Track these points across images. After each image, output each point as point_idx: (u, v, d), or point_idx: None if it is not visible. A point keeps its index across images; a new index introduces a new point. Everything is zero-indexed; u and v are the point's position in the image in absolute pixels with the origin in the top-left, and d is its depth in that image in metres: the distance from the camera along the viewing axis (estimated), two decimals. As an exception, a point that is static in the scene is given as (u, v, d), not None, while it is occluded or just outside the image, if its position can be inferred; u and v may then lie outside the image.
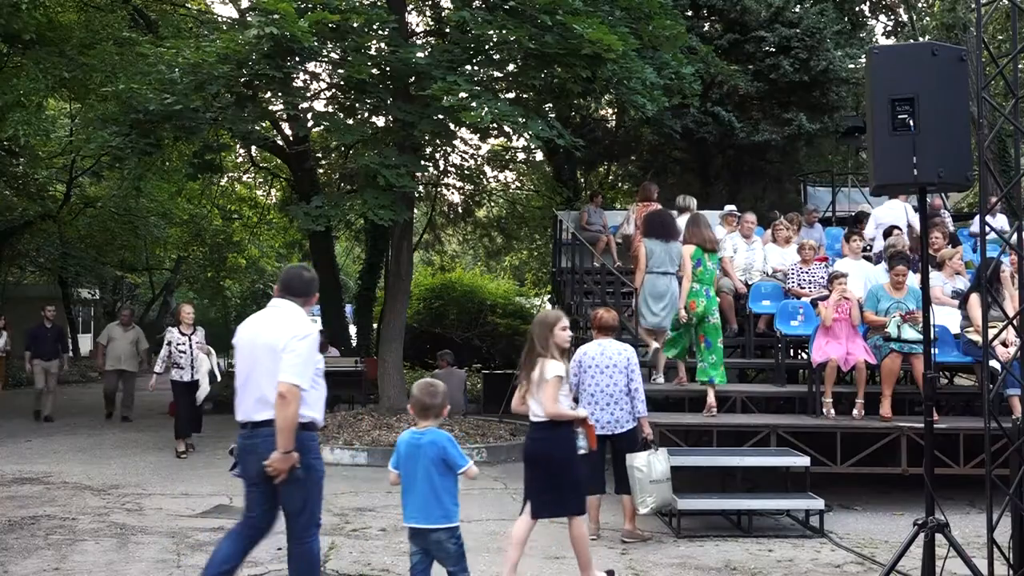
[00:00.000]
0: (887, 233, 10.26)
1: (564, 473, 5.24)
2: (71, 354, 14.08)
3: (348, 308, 21.58)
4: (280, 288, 4.65)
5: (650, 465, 6.52)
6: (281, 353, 4.28)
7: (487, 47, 10.98)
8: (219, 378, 11.10)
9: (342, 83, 11.27)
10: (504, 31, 10.09)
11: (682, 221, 9.06)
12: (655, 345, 8.53)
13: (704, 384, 8.16)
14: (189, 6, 17.66)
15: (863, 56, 13.30)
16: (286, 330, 4.36)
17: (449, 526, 4.33)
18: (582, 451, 5.40)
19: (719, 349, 8.19)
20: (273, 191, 22.89)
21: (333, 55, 11.01)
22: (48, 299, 25.86)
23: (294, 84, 11.25)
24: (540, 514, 5.30)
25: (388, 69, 10.80)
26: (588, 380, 6.61)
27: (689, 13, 14.76)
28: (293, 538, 4.46)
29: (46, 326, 13.76)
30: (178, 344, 10.38)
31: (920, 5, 21.06)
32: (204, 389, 10.51)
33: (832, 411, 8.08)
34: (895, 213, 10.56)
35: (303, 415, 4.31)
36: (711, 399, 8.11)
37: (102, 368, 13.85)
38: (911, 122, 4.70)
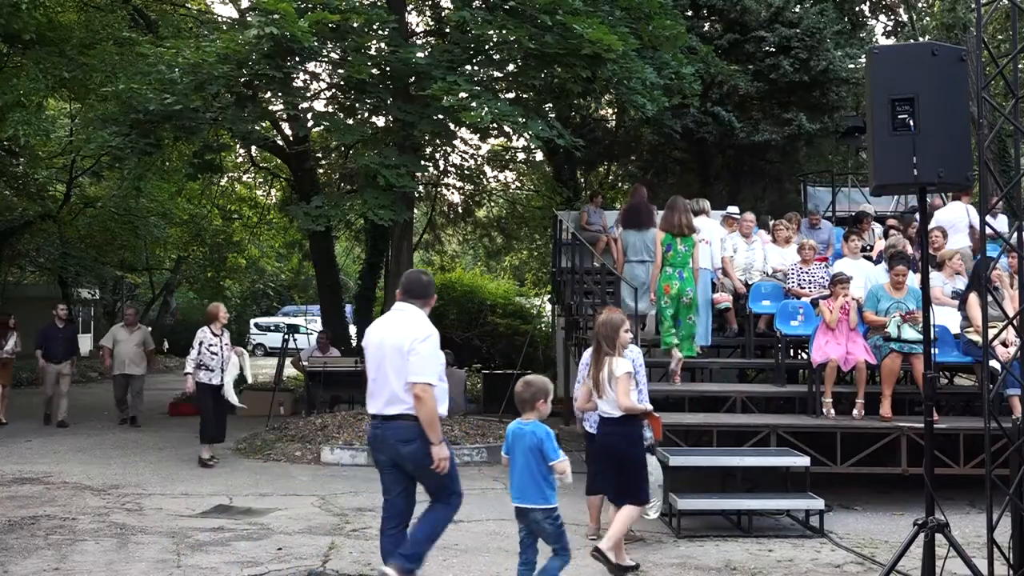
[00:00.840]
0: (886, 233, 10.26)
1: (633, 465, 5.68)
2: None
3: (348, 308, 21.58)
4: (402, 292, 5.06)
5: (656, 470, 6.54)
6: (407, 355, 4.73)
7: (487, 47, 10.98)
8: (249, 380, 10.67)
9: (342, 83, 11.28)
10: (504, 31, 10.09)
11: (697, 222, 9.28)
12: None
13: (668, 348, 8.77)
14: (189, 6, 17.66)
15: (863, 56, 13.30)
16: (409, 332, 4.80)
17: (546, 507, 4.83)
18: (648, 442, 5.85)
19: (688, 325, 8.74)
20: (273, 191, 22.89)
21: (333, 55, 11.01)
22: (48, 299, 25.91)
23: (294, 84, 11.25)
24: (612, 499, 5.81)
25: (388, 69, 10.80)
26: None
27: (689, 13, 14.75)
28: (435, 501, 5.04)
29: (58, 326, 13.19)
30: (209, 345, 9.79)
31: (920, 5, 21.06)
32: (230, 395, 9.93)
33: (832, 411, 8.08)
34: (956, 214, 10.56)
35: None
36: (675, 364, 8.81)
37: (109, 373, 13.30)
38: (911, 122, 4.70)
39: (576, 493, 7.47)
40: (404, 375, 4.74)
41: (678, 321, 8.75)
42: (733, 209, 11.36)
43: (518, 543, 5.00)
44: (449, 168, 17.02)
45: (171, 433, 12.15)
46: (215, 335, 9.86)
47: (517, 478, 4.89)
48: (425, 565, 5.88)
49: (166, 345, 26.04)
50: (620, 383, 5.50)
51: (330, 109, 11.72)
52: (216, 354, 9.76)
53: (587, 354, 5.93)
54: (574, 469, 9.44)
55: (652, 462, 6.53)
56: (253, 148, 19.07)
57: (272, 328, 34.63)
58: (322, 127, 11.54)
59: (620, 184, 21.28)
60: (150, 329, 13.89)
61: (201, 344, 9.78)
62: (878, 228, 11.41)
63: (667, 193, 13.14)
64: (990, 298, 5.70)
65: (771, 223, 10.99)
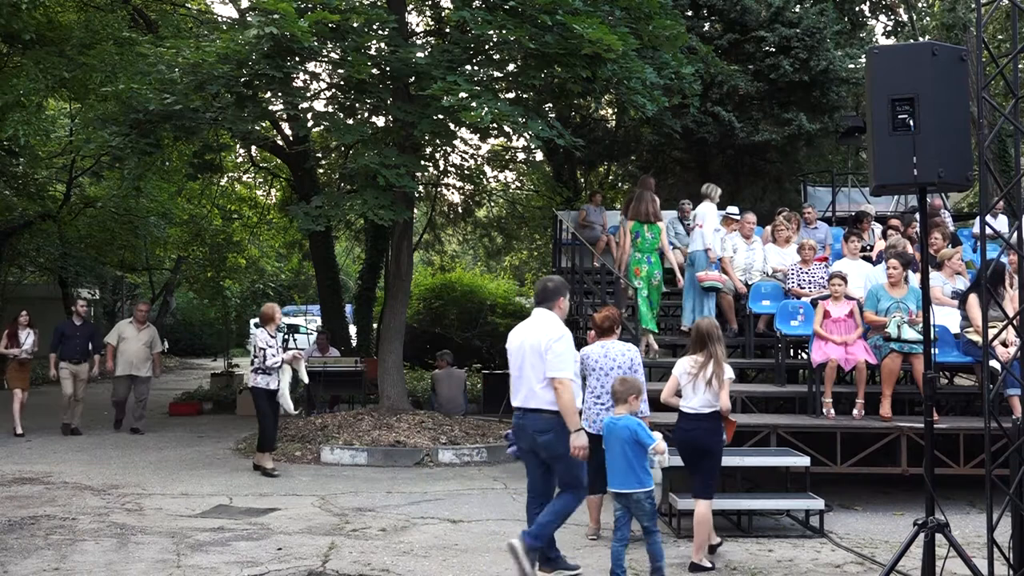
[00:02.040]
0: (886, 233, 10.26)
1: (713, 458, 6.05)
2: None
3: (348, 308, 21.57)
4: (536, 299, 5.79)
5: (657, 469, 6.54)
6: (544, 354, 5.35)
7: (487, 47, 10.98)
8: (306, 380, 10.15)
9: (342, 83, 11.27)
10: (504, 31, 10.09)
11: (702, 208, 9.92)
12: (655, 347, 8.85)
13: (645, 331, 9.54)
14: (189, 6, 17.66)
15: (863, 56, 13.31)
16: (544, 334, 5.43)
17: (645, 490, 5.39)
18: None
19: (656, 306, 9.84)
20: (273, 191, 22.88)
21: (333, 55, 11.01)
22: (48, 299, 25.89)
23: (294, 84, 11.24)
24: (694, 495, 6.11)
25: (388, 69, 10.80)
26: (593, 381, 6.63)
27: (689, 13, 14.75)
28: (562, 490, 5.56)
29: (75, 324, 12.10)
30: (269, 347, 9.31)
31: (920, 5, 21.06)
32: (286, 401, 9.42)
33: (832, 411, 8.08)
34: None
35: (555, 409, 5.35)
36: (651, 341, 9.67)
37: (111, 372, 12.32)
38: (911, 122, 4.71)
39: (576, 493, 7.47)
40: (540, 373, 5.37)
41: (649, 301, 9.61)
42: (733, 209, 11.36)
43: (614, 523, 5.55)
44: (449, 168, 17.01)
45: (171, 433, 12.16)
46: (272, 336, 9.41)
47: (616, 468, 5.45)
48: (425, 563, 5.89)
49: (166, 345, 26.02)
50: (726, 387, 6.00)
51: (330, 109, 11.70)
52: (275, 356, 9.32)
53: (686, 361, 6.18)
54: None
55: (653, 463, 6.53)
56: (253, 148, 19.06)
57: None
58: (322, 127, 11.53)
59: (620, 184, 21.28)
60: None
61: (267, 346, 9.28)
62: (878, 228, 11.42)
63: (667, 193, 13.16)
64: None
65: (776, 220, 10.98)
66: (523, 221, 21.25)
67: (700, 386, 5.98)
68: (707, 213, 9.89)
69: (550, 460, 5.53)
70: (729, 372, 6.09)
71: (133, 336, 12.29)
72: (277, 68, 9.89)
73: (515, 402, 5.62)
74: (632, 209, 9.82)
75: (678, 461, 6.96)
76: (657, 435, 5.50)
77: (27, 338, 11.88)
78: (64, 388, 11.93)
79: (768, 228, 11.13)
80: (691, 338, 6.39)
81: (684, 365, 6.23)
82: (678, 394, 6.16)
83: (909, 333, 7.89)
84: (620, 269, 10.05)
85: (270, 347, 9.30)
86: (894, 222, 11.18)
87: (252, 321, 37.50)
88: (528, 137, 10.46)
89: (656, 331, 9.91)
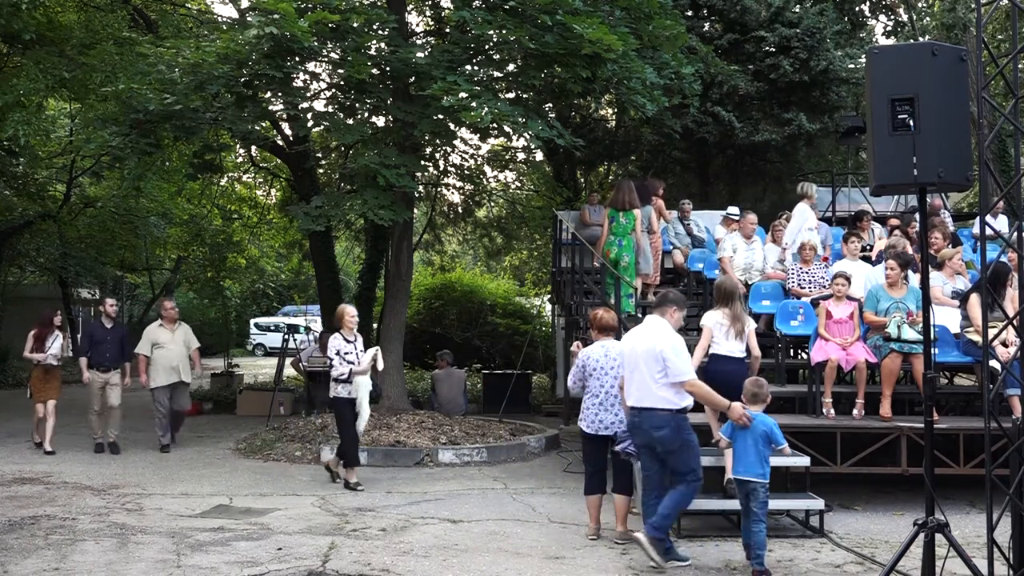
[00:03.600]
0: (889, 233, 10.26)
1: (738, 397, 6.32)
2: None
3: (348, 308, 21.53)
4: (653, 305, 6.45)
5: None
6: (664, 360, 5.84)
7: (487, 47, 10.98)
8: (381, 365, 9.16)
9: (342, 83, 11.27)
10: (504, 31, 10.09)
11: (801, 207, 10.47)
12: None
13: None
14: (189, 6, 17.65)
15: (863, 56, 13.31)
16: (659, 341, 5.94)
17: (765, 481, 5.87)
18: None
19: (625, 286, 10.32)
20: (273, 191, 22.88)
21: (333, 55, 11.01)
22: (48, 299, 25.90)
23: (294, 84, 11.25)
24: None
25: (388, 69, 10.80)
26: (593, 382, 6.63)
27: (689, 13, 14.75)
28: (679, 481, 5.94)
29: (105, 326, 10.69)
30: (345, 353, 8.52)
31: (920, 5, 21.06)
32: (364, 415, 8.68)
33: (832, 411, 8.08)
34: None
35: (678, 404, 5.91)
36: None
37: (145, 385, 10.84)
38: (911, 122, 4.70)
39: (576, 493, 7.49)
40: (656, 375, 5.87)
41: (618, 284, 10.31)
42: (733, 209, 11.37)
43: (741, 510, 6.06)
44: (449, 168, 17.02)
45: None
46: (348, 341, 8.61)
47: (746, 458, 5.91)
48: (425, 563, 5.89)
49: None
50: (753, 335, 7.22)
51: (330, 109, 11.71)
52: (353, 363, 8.51)
53: (716, 313, 7.21)
54: (573, 469, 9.53)
55: None
56: (253, 148, 19.04)
57: (272, 328, 34.65)
58: (322, 127, 11.54)
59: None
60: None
61: (338, 353, 8.51)
62: (878, 228, 11.42)
63: (667, 193, 13.17)
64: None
65: (774, 222, 10.99)
66: (523, 221, 21.24)
67: (732, 335, 7.06)
68: (801, 213, 10.32)
69: (665, 454, 5.95)
70: (752, 323, 7.28)
71: (168, 339, 10.79)
72: (277, 68, 9.89)
73: (629, 402, 6.08)
74: (611, 198, 10.84)
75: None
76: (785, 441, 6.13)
77: (54, 342, 10.40)
78: (92, 401, 10.44)
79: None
80: (716, 295, 7.41)
81: (716, 316, 7.24)
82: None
83: (909, 333, 7.88)
84: (598, 251, 10.97)
85: (346, 354, 8.50)
86: (893, 221, 11.19)
87: (252, 321, 37.65)
88: (528, 137, 10.46)
89: (632, 310, 10.34)
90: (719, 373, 6.85)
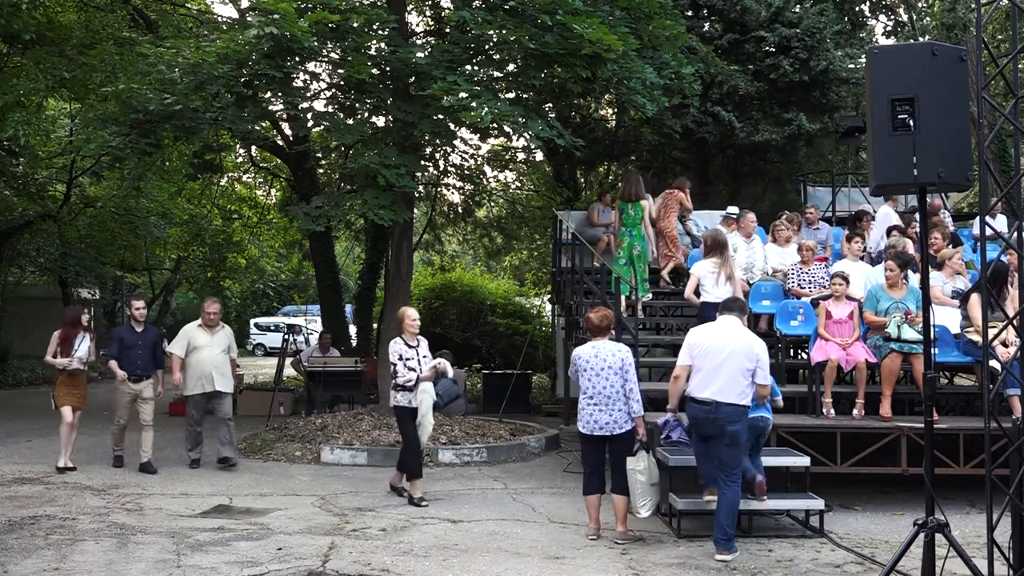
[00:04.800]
0: (888, 232, 10.25)
1: None
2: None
3: (348, 308, 21.58)
4: (725, 308, 6.72)
5: (650, 468, 6.55)
6: (757, 361, 6.33)
7: (487, 47, 10.98)
8: (451, 374, 8.45)
9: (342, 83, 11.27)
10: (504, 31, 10.09)
11: (884, 210, 10.97)
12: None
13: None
14: (189, 6, 17.66)
15: (863, 56, 13.30)
16: (755, 343, 6.42)
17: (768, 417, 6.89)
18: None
19: (640, 271, 10.93)
20: (273, 191, 22.90)
21: (333, 55, 11.01)
22: (48, 299, 25.78)
23: (294, 84, 11.24)
24: None
25: (388, 69, 10.80)
26: (584, 382, 6.64)
27: (689, 13, 14.75)
28: (725, 479, 6.30)
29: (135, 330, 9.50)
30: (408, 359, 7.96)
31: (920, 5, 21.05)
32: (427, 426, 8.01)
33: (832, 411, 8.08)
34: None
35: (749, 403, 6.36)
36: (639, 305, 10.65)
37: (177, 385, 9.80)
38: (911, 122, 4.71)
39: (576, 493, 7.49)
40: (744, 373, 6.27)
41: (634, 271, 10.83)
42: (733, 209, 11.36)
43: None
44: (449, 168, 17.01)
45: (171, 433, 12.12)
46: (410, 346, 8.06)
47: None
48: (425, 563, 5.89)
49: (166, 345, 26.04)
50: (739, 281, 8.25)
51: (330, 109, 11.70)
52: (415, 369, 7.94)
53: (706, 262, 8.34)
54: (573, 469, 9.52)
55: (644, 461, 6.54)
56: (253, 148, 19.07)
57: (272, 328, 34.65)
58: (322, 127, 11.53)
59: (620, 185, 21.26)
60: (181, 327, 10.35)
61: (400, 359, 7.95)
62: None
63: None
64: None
65: (774, 222, 10.99)
66: (523, 221, 21.25)
67: (722, 281, 7.93)
68: (885, 216, 10.60)
69: (730, 445, 6.29)
70: (740, 271, 8.12)
71: (206, 342, 9.55)
72: (277, 68, 9.89)
73: (705, 394, 6.30)
74: (621, 190, 11.54)
75: (679, 461, 6.98)
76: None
77: (81, 343, 9.33)
78: (118, 411, 9.43)
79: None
80: (707, 245, 8.43)
81: (706, 266, 8.12)
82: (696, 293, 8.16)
83: (909, 333, 7.88)
84: (613, 242, 11.73)
85: (407, 360, 7.93)
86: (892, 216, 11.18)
87: (252, 321, 37.66)
88: (528, 137, 10.46)
89: (645, 294, 10.93)
90: (710, 319, 7.24)
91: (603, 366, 6.59)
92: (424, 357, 8.04)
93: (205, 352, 9.47)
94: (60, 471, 9.06)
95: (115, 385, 9.41)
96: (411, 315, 8.17)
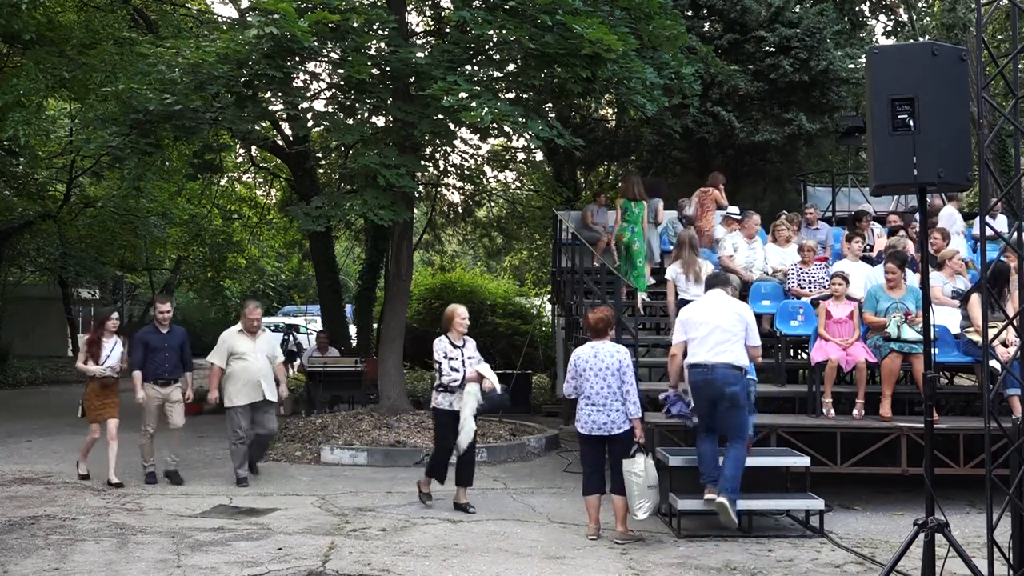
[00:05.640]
0: (891, 233, 10.26)
1: None
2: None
3: (348, 308, 21.57)
4: (708, 285, 7.25)
5: (647, 470, 6.54)
6: (746, 325, 6.72)
7: (487, 47, 10.98)
8: (499, 390, 7.85)
9: (342, 83, 11.27)
10: (504, 31, 10.09)
11: (948, 211, 11.09)
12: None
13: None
14: (189, 6, 17.66)
15: (863, 56, 13.30)
16: (743, 308, 6.99)
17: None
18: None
19: (639, 267, 11.06)
20: (273, 191, 22.89)
21: (333, 55, 11.01)
22: (48, 299, 25.79)
23: (294, 84, 11.25)
24: None
25: (388, 69, 10.80)
26: (583, 383, 6.65)
27: (689, 13, 14.75)
28: (732, 442, 6.64)
29: (161, 331, 8.81)
30: (451, 358, 7.57)
31: (920, 5, 21.05)
32: (468, 431, 7.43)
33: (832, 411, 8.08)
34: (947, 218, 10.70)
35: (745, 364, 6.70)
36: (638, 301, 10.89)
37: (215, 402, 8.98)
38: (911, 122, 4.71)
39: (576, 493, 7.49)
40: (734, 335, 6.64)
41: (631, 263, 11.05)
42: (734, 209, 11.36)
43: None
44: (449, 168, 17.01)
45: (171, 433, 12.13)
46: (455, 346, 7.67)
47: None
48: (425, 563, 5.89)
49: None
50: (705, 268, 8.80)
51: (330, 109, 11.71)
52: (458, 370, 7.54)
53: (675, 265, 9.08)
54: (573, 469, 9.52)
55: (640, 463, 6.54)
56: (253, 148, 19.06)
57: (272, 328, 34.64)
58: (322, 127, 11.53)
59: (620, 184, 21.26)
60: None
61: (445, 357, 7.57)
62: (877, 228, 11.41)
63: (667, 192, 13.19)
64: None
65: (774, 222, 10.99)
66: (523, 221, 21.24)
67: (691, 279, 8.61)
68: (949, 216, 10.61)
69: (730, 408, 6.57)
70: (708, 266, 8.62)
71: (249, 349, 8.74)
72: (277, 68, 9.90)
73: (699, 358, 6.66)
74: (622, 189, 11.71)
75: (679, 461, 6.98)
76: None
77: (112, 349, 8.63)
78: (146, 420, 8.70)
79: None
80: (675, 245, 9.18)
81: (675, 268, 8.91)
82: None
83: (909, 333, 7.89)
84: (613, 238, 11.82)
85: (451, 359, 7.56)
86: (893, 218, 11.19)
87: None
88: (528, 137, 10.46)
89: (644, 289, 11.06)
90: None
91: (601, 367, 6.60)
92: (469, 358, 7.64)
93: (250, 359, 8.68)
94: (81, 477, 8.73)
95: (139, 399, 8.69)
96: (461, 313, 7.78)
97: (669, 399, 7.26)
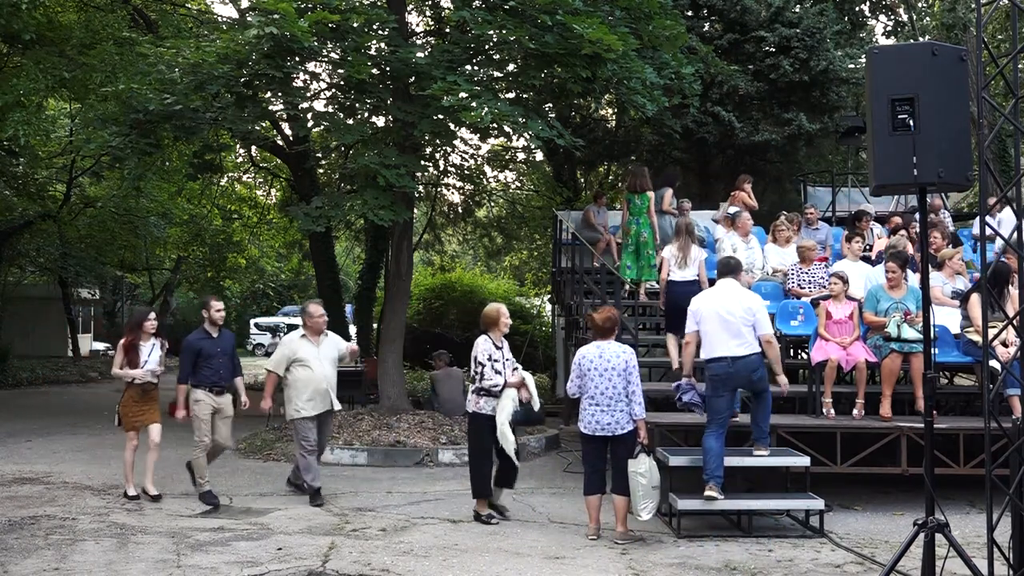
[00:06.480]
0: (893, 232, 10.25)
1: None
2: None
3: (348, 308, 21.58)
4: (720, 272, 7.32)
5: (651, 471, 6.55)
6: (756, 315, 6.94)
7: (487, 47, 10.98)
8: (537, 407, 7.28)
9: (342, 83, 11.27)
10: (504, 31, 10.09)
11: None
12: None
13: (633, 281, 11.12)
14: (189, 6, 17.67)
15: (863, 56, 13.31)
16: (752, 299, 7.14)
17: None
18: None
19: (647, 257, 11.06)
20: (273, 191, 22.91)
21: (333, 55, 11.01)
22: (48, 299, 25.72)
23: (294, 84, 11.25)
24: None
25: (388, 69, 10.80)
26: (588, 383, 6.64)
27: (689, 13, 14.76)
28: (760, 397, 7.12)
29: (211, 334, 8.10)
30: (494, 361, 7.17)
31: (920, 5, 21.06)
32: (509, 443, 7.03)
33: (832, 411, 8.08)
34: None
35: (759, 350, 6.95)
36: (641, 291, 11.06)
37: (268, 411, 8.41)
38: (911, 122, 4.70)
39: (576, 493, 7.49)
40: (750, 326, 6.88)
41: (639, 256, 11.11)
42: (733, 209, 11.36)
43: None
44: (449, 168, 17.03)
45: (171, 433, 12.09)
46: (497, 347, 7.26)
47: None
48: (425, 563, 5.89)
49: (166, 346, 26.05)
50: (702, 264, 9.14)
51: (330, 109, 11.71)
52: (500, 372, 7.15)
53: (671, 247, 9.32)
54: (573, 469, 9.52)
55: (645, 463, 6.55)
56: (253, 148, 19.08)
57: (272, 328, 34.70)
58: (322, 127, 11.54)
59: (620, 184, 21.29)
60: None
61: (489, 359, 7.15)
62: (877, 228, 11.41)
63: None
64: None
65: (774, 222, 10.99)
66: (523, 221, 21.27)
67: (682, 263, 9.00)
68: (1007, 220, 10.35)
69: (759, 391, 7.04)
70: (702, 253, 9.12)
71: (313, 355, 8.00)
72: (277, 68, 9.90)
73: (719, 352, 6.88)
74: (627, 183, 11.82)
75: (679, 461, 6.98)
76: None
77: (151, 352, 7.97)
78: (200, 432, 7.88)
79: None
80: (674, 231, 9.55)
81: (670, 250, 9.18)
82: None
83: (909, 333, 7.88)
84: (620, 231, 12.12)
85: (493, 361, 7.15)
86: (896, 220, 11.18)
87: (252, 321, 37.66)
88: (528, 137, 10.47)
89: (647, 279, 11.17)
90: (674, 294, 8.89)
91: (607, 367, 6.59)
92: (508, 360, 7.27)
93: (315, 366, 7.94)
94: (129, 498, 7.75)
95: (179, 416, 8.06)
96: (506, 312, 7.48)
97: (682, 387, 7.35)
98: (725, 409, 6.96)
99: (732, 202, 11.82)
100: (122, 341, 8.02)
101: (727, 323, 6.87)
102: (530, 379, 7.36)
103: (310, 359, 7.94)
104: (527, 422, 7.42)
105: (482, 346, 7.20)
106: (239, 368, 8.36)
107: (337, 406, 8.23)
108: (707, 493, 6.64)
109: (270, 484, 8.73)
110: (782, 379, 7.19)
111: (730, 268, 7.31)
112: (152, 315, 8.20)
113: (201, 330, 8.20)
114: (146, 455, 7.86)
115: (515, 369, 7.35)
